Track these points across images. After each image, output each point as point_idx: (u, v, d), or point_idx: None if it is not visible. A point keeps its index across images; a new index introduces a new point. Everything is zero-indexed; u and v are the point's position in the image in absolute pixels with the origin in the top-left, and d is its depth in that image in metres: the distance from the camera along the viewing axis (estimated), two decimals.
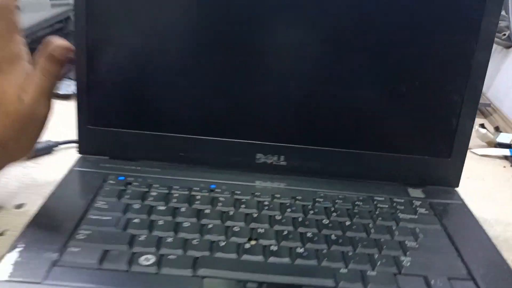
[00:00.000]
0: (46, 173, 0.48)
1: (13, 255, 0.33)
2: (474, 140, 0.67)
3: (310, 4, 0.43)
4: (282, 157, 0.47)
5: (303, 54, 0.44)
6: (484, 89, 0.88)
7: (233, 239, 0.37)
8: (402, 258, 0.37)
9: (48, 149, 0.52)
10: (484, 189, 0.56)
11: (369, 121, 0.47)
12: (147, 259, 0.34)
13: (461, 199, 0.47)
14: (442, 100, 0.46)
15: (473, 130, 0.68)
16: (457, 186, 0.48)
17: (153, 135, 0.45)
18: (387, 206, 0.44)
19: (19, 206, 0.42)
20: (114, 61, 0.44)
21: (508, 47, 0.82)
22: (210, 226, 0.38)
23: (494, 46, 0.88)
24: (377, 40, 0.44)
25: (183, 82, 0.45)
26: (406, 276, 0.35)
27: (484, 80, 0.45)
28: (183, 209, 0.40)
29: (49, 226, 0.36)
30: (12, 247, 0.33)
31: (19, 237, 0.35)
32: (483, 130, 0.67)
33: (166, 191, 0.42)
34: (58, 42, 0.37)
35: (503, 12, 0.75)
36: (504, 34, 0.77)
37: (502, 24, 0.75)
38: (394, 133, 0.47)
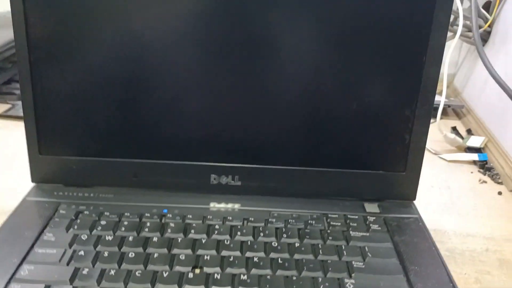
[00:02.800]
0: (2, 203, 0.48)
1: None
2: (443, 145, 0.67)
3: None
4: (236, 177, 0.47)
5: (249, 71, 0.44)
6: (459, 89, 0.88)
7: (177, 268, 0.37)
8: (346, 280, 0.37)
9: None
10: (448, 198, 0.55)
11: (323, 138, 0.46)
12: None
13: (417, 213, 0.47)
14: (394, 115, 0.46)
15: (442, 135, 0.68)
16: (414, 199, 0.48)
17: (105, 161, 0.46)
18: (339, 223, 0.44)
19: None
20: (60, 89, 0.44)
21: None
22: (155, 255, 0.38)
23: (468, 46, 0.87)
24: (326, 54, 0.44)
25: (131, 107, 0.45)
26: None
27: (435, 94, 0.45)
28: (130, 238, 0.40)
29: None
30: None
31: None
32: (451, 135, 0.67)
33: (116, 219, 0.42)
34: None
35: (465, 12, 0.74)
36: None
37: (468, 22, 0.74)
38: (348, 149, 0.47)
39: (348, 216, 0.45)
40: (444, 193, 0.56)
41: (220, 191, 0.47)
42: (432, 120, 0.53)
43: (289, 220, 0.44)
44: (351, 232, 0.43)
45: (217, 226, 0.42)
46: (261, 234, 0.42)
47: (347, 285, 0.37)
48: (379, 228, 0.44)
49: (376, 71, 0.44)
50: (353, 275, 0.38)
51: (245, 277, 0.37)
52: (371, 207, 0.47)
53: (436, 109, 0.71)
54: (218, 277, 0.36)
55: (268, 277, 0.37)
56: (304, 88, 0.45)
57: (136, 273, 0.36)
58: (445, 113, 0.79)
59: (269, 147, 0.47)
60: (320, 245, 0.41)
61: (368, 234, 0.43)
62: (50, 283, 0.35)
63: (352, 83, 0.45)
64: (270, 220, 0.44)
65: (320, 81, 0.45)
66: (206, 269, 0.37)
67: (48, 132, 0.45)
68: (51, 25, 0.42)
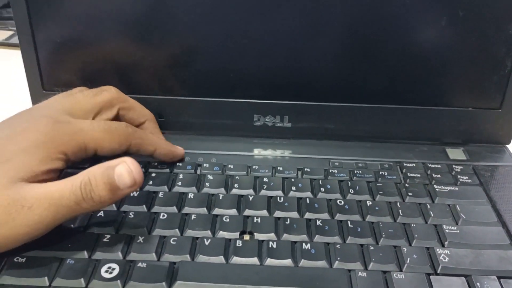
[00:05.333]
0: None
1: None
2: None
3: None
4: (285, 117, 0.38)
5: None
6: None
7: (221, 233, 0.29)
8: (439, 251, 0.29)
9: None
10: None
11: (396, 65, 0.36)
12: (110, 270, 0.27)
13: None
14: (491, 34, 0.35)
15: None
16: (509, 143, 0.38)
17: None
18: (419, 175, 0.35)
19: None
20: (63, 13, 0.34)
21: None
22: (193, 217, 0.30)
23: None
24: None
25: (155, 32, 0.35)
26: (443, 276, 0.27)
27: None
28: (160, 195, 0.32)
29: None
30: None
31: None
32: None
33: (142, 171, 0.34)
34: (125, 169, 0.26)
35: None
36: None
37: None
38: (429, 81, 0.37)
39: (429, 164, 0.36)
40: None
41: (266, 135, 0.38)
42: None
43: (355, 171, 0.35)
44: (435, 186, 0.34)
45: (265, 179, 0.34)
46: (322, 189, 0.33)
47: (440, 257, 0.28)
48: (469, 180, 0.35)
49: None
50: (446, 243, 0.29)
51: (308, 246, 0.29)
52: (456, 153, 0.38)
53: None
54: (274, 245, 0.28)
55: (338, 246, 0.29)
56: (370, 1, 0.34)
57: (171, 240, 0.28)
58: None
59: (326, 79, 0.37)
60: (398, 203, 0.32)
61: (456, 188, 0.34)
62: (63, 254, 0.27)
63: (442, 5, 0.34)
64: (330, 171, 0.35)
65: None
66: (257, 235, 0.29)
67: (53, 64, 0.36)
68: None
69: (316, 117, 0.38)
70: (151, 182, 0.33)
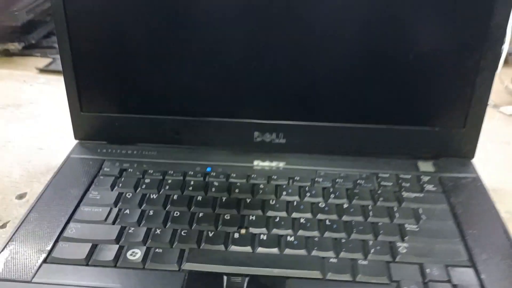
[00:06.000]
0: (48, 159, 0.49)
1: (5, 254, 0.34)
2: (503, 97, 0.62)
3: None
4: (281, 135, 0.45)
5: (294, 22, 0.41)
6: None
7: (223, 228, 0.37)
8: (399, 244, 0.35)
9: None
10: (508, 155, 0.51)
11: (373, 91, 0.43)
12: (134, 254, 0.34)
13: (476, 172, 0.43)
14: (455, 66, 0.41)
15: (503, 86, 0.63)
16: (473, 157, 0.45)
17: (148, 118, 0.45)
18: (391, 183, 0.42)
19: (21, 196, 0.44)
20: (99, 44, 0.43)
21: None
22: (200, 215, 0.38)
23: None
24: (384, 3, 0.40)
25: (173, 63, 0.43)
26: (400, 264, 0.34)
27: (503, 42, 0.41)
28: (175, 197, 0.39)
29: (43, 220, 0.37)
30: (5, 244, 0.34)
31: (14, 233, 0.36)
32: None
33: (160, 177, 0.42)
34: None
35: None
36: None
37: None
38: (402, 104, 0.43)
39: (400, 175, 0.43)
40: (504, 150, 0.52)
41: (264, 149, 0.45)
42: None
43: (337, 180, 0.42)
44: (403, 192, 0.40)
45: (261, 186, 0.41)
46: (308, 194, 0.40)
47: (399, 249, 0.35)
48: (434, 188, 0.41)
49: (437, 14, 0.40)
50: (406, 238, 0.36)
51: (292, 238, 0.35)
52: (425, 166, 0.44)
53: None
54: (264, 238, 0.35)
55: (316, 239, 0.35)
56: (353, 36, 0.41)
57: (182, 232, 0.36)
58: (506, 62, 0.72)
59: (315, 103, 0.44)
60: (370, 206, 0.39)
61: (422, 195, 0.40)
62: (97, 242, 0.35)
63: (409, 29, 0.41)
64: (316, 179, 0.42)
65: (373, 28, 0.41)
66: (252, 229, 0.36)
67: (89, 89, 0.44)
68: None
69: (307, 135, 0.45)
70: (167, 187, 0.41)
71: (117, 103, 0.45)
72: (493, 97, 0.61)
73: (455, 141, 0.44)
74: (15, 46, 0.70)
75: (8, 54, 0.72)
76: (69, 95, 0.44)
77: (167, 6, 0.41)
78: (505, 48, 0.64)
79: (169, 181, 0.41)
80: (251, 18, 0.41)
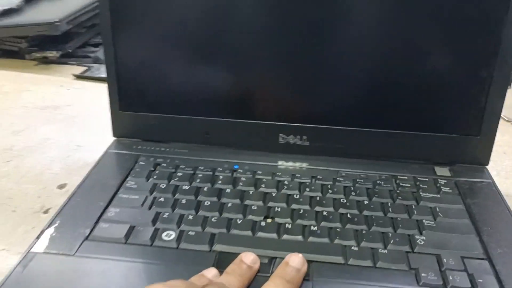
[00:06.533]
0: (86, 155, 0.52)
1: (50, 231, 0.37)
2: None
3: None
4: (304, 137, 0.48)
5: (321, 33, 0.45)
6: None
7: (250, 217, 0.39)
8: (417, 237, 0.37)
9: None
10: None
11: (394, 99, 0.46)
12: (168, 235, 0.37)
13: (490, 178, 0.46)
14: (470, 77, 0.44)
15: None
16: (487, 164, 0.47)
17: (180, 118, 0.48)
18: (409, 185, 0.44)
19: (61, 186, 0.47)
20: (139, 50, 0.46)
21: None
22: (229, 205, 0.40)
23: None
24: (398, 12, 0.43)
25: (206, 67, 0.46)
26: (419, 254, 0.36)
27: None
28: (205, 189, 0.42)
29: (83, 205, 0.40)
30: (50, 224, 0.37)
31: (57, 215, 0.39)
32: None
33: (191, 172, 0.45)
34: None
35: None
36: None
37: None
38: (421, 112, 0.46)
39: (418, 178, 0.45)
40: None
41: (288, 151, 0.48)
42: None
43: (357, 180, 0.44)
44: (421, 193, 0.43)
45: (286, 182, 0.44)
46: (330, 191, 0.43)
47: (418, 241, 0.37)
48: (450, 190, 0.43)
49: (453, 29, 0.43)
50: (423, 232, 0.38)
51: (315, 228, 0.38)
52: (442, 171, 0.46)
53: None
54: (289, 226, 0.38)
55: (338, 229, 0.38)
56: (375, 48, 0.44)
57: (213, 219, 0.38)
58: None
59: (338, 108, 0.47)
60: (389, 203, 0.41)
61: (439, 195, 0.43)
62: (135, 223, 0.38)
63: (428, 43, 0.44)
64: (338, 179, 0.44)
65: (393, 40, 0.44)
66: (277, 219, 0.39)
67: (128, 90, 0.48)
68: None
69: (329, 138, 0.47)
70: (198, 180, 0.43)
71: (152, 103, 0.48)
72: (507, 113, 0.63)
73: (471, 148, 0.46)
74: (53, 54, 0.75)
75: (46, 61, 0.77)
76: (110, 94, 0.47)
77: (205, 14, 0.45)
78: None
79: (200, 175, 0.44)
80: (280, 26, 0.44)
